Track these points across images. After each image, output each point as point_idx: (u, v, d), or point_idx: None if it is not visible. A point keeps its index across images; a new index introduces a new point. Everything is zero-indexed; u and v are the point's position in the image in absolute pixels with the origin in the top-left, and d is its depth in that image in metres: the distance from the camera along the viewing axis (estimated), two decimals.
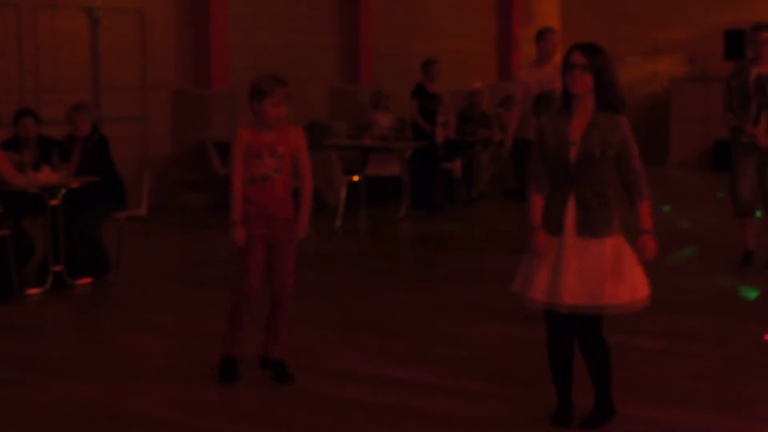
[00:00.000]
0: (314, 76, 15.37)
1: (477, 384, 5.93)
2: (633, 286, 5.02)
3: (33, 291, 8.36)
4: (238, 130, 5.89)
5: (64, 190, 8.41)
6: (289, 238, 5.98)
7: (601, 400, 5.23)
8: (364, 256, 10.25)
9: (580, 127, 5.00)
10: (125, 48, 12.62)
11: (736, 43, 18.03)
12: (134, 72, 12.75)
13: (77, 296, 8.43)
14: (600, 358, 5.16)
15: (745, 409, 5.54)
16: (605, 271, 4.95)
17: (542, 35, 9.63)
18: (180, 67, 13.41)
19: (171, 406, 5.65)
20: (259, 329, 6.11)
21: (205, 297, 8.33)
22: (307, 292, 8.40)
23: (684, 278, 8.92)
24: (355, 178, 12.58)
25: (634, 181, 5.04)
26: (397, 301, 8.20)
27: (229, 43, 13.69)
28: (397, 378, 6.10)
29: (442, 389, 5.88)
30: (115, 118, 12.25)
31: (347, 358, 6.54)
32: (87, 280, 8.71)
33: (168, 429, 5.30)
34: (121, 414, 5.52)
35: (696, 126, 18.38)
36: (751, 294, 8.29)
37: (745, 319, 7.52)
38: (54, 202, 8.40)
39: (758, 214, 9.28)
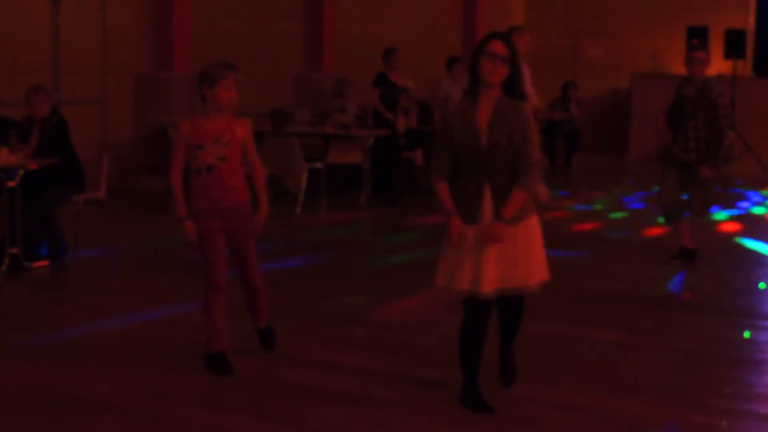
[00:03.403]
0: (277, 62, 15.33)
1: (433, 372, 5.95)
2: (542, 267, 5.29)
3: None
4: (180, 125, 5.90)
5: (21, 172, 8.34)
6: (246, 228, 5.97)
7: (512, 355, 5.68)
8: (324, 244, 10.25)
9: (486, 115, 5.06)
10: (86, 30, 12.50)
11: (698, 39, 18.15)
12: (95, 54, 12.65)
13: (33, 279, 8.37)
14: (518, 327, 5.63)
15: (699, 402, 5.60)
16: (520, 254, 5.15)
17: (511, 33, 9.55)
18: (141, 51, 13.32)
19: (124, 391, 5.63)
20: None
21: (162, 282, 8.30)
22: (266, 278, 8.40)
23: (638, 271, 9.00)
24: (318, 164, 12.57)
25: (524, 170, 5.05)
26: (356, 288, 8.22)
27: (191, 28, 13.61)
28: (353, 365, 6.12)
29: (397, 377, 5.90)
30: (76, 101, 12.16)
31: (304, 344, 6.55)
32: (43, 262, 8.66)
33: (121, 413, 5.28)
34: (74, 397, 5.50)
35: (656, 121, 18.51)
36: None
37: (698, 312, 7.61)
38: (11, 184, 8.33)
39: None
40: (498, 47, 4.99)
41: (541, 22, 21.86)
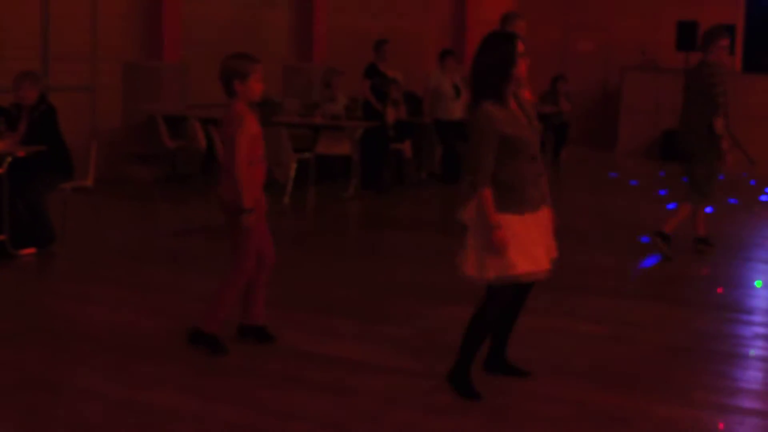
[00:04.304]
0: (267, 52, 15.30)
1: (420, 364, 5.97)
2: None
3: None
4: (247, 117, 5.91)
5: (9, 159, 8.32)
6: (263, 213, 6.27)
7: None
8: (312, 234, 10.25)
9: (517, 109, 5.34)
10: (76, 17, 12.47)
11: (687, 34, 18.20)
12: (85, 42, 12.61)
13: (20, 266, 8.36)
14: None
15: (684, 396, 5.63)
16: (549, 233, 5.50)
17: (508, 21, 9.43)
18: (131, 39, 13.29)
19: (110, 379, 5.63)
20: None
21: (149, 271, 8.29)
22: None
23: (624, 264, 9.03)
24: (306, 155, 12.56)
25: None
26: (344, 279, 8.22)
27: (181, 16, 13.58)
28: (340, 357, 6.13)
29: (385, 368, 5.91)
30: (65, 88, 12.13)
31: (291, 335, 6.55)
32: (31, 250, 8.63)
33: (106, 402, 5.29)
34: (61, 386, 5.49)
35: (646, 115, 18.57)
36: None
37: (682, 306, 7.65)
38: None
39: None
40: (522, 46, 5.23)
41: (531, 14, 21.79)
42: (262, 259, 6.22)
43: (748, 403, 5.62)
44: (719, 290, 8.21)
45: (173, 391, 5.48)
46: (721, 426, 5.23)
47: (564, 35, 21.60)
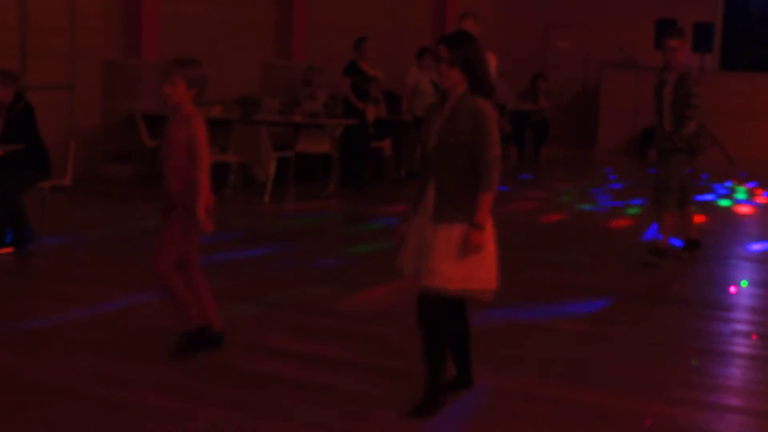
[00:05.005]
0: (247, 50, 15.27)
1: (400, 363, 5.96)
2: (475, 276, 5.00)
3: None
4: (201, 118, 5.84)
5: None
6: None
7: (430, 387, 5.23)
8: (291, 232, 10.23)
9: (446, 115, 5.04)
10: (54, 15, 12.40)
11: (666, 32, 18.25)
12: (63, 39, 12.55)
13: None
14: (438, 340, 5.17)
15: (661, 393, 5.64)
16: (449, 254, 4.94)
17: (459, 21, 9.41)
18: (110, 36, 13.23)
19: (89, 379, 5.60)
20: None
21: (128, 270, 8.25)
22: (231, 267, 8.38)
23: (606, 263, 9.06)
24: (287, 153, 12.54)
25: (484, 172, 4.93)
26: (323, 277, 8.21)
27: (160, 14, 13.53)
28: (318, 355, 6.11)
29: (363, 367, 5.91)
30: (43, 86, 12.06)
31: (270, 334, 6.54)
32: (8, 249, 8.58)
33: (85, 402, 5.26)
34: (39, 386, 5.45)
35: (625, 113, 18.63)
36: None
37: (664, 304, 7.68)
38: None
39: None
40: (441, 51, 4.98)
41: (511, 13, 21.91)
42: (186, 260, 5.99)
43: (728, 400, 5.63)
44: (700, 288, 8.25)
45: (153, 391, 5.45)
46: (699, 423, 5.25)
47: (543, 33, 21.64)
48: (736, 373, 6.16)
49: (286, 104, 14.26)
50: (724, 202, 13.17)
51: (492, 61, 9.08)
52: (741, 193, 14.13)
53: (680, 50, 8.87)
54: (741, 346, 6.70)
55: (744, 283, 8.47)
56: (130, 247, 9.20)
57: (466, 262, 4.95)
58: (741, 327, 7.15)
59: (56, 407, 5.17)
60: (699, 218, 11.62)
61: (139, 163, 13.15)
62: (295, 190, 12.72)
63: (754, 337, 6.96)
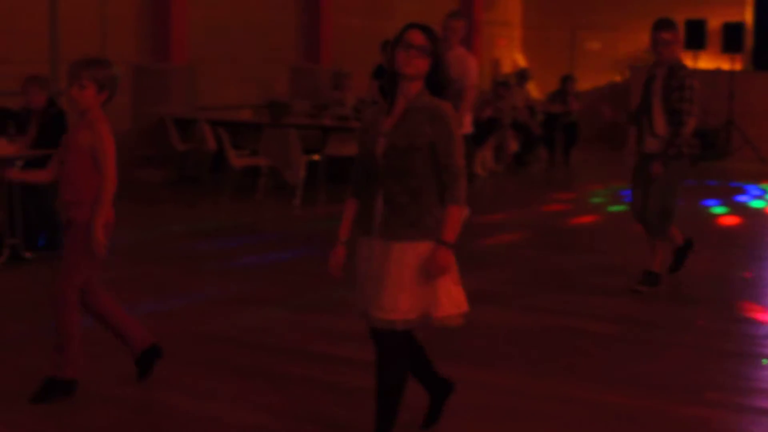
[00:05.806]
0: (275, 54, 15.31)
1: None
2: (443, 300, 4.45)
3: None
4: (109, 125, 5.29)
5: (20, 162, 8.32)
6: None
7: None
8: (322, 236, 10.23)
9: (396, 115, 4.40)
10: (84, 20, 12.49)
11: (696, 33, 18.18)
12: (93, 45, 12.61)
13: (33, 269, 8.36)
14: (389, 381, 4.55)
15: (696, 396, 5.60)
16: (399, 281, 4.38)
17: (447, 21, 9.20)
18: (140, 42, 13.31)
19: (118, 382, 5.62)
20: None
21: (160, 273, 8.29)
22: (262, 270, 8.40)
23: (636, 265, 9.00)
24: (316, 157, 12.55)
25: (449, 182, 4.32)
26: (353, 280, 8.18)
27: (189, 19, 13.59)
28: (349, 358, 6.11)
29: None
30: None
31: (300, 336, 6.54)
32: (42, 253, 8.63)
33: (113, 404, 5.28)
34: (77, 390, 5.47)
35: None
36: None
37: (695, 306, 7.63)
38: None
39: None
40: (415, 37, 4.37)
41: (539, 15, 21.86)
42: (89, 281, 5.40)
43: (763, 402, 5.58)
44: (732, 289, 8.19)
45: (179, 392, 5.47)
46: (735, 426, 5.21)
47: (572, 35, 21.56)
48: None
49: (315, 107, 14.29)
50: (757, 204, 13.07)
51: (472, 63, 9.04)
52: None
53: (673, 44, 7.96)
54: None
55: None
56: (160, 251, 9.24)
57: (430, 287, 4.38)
58: None
59: (86, 410, 5.20)
60: (733, 220, 11.56)
61: (170, 167, 13.21)
62: (326, 193, 12.73)
63: None
